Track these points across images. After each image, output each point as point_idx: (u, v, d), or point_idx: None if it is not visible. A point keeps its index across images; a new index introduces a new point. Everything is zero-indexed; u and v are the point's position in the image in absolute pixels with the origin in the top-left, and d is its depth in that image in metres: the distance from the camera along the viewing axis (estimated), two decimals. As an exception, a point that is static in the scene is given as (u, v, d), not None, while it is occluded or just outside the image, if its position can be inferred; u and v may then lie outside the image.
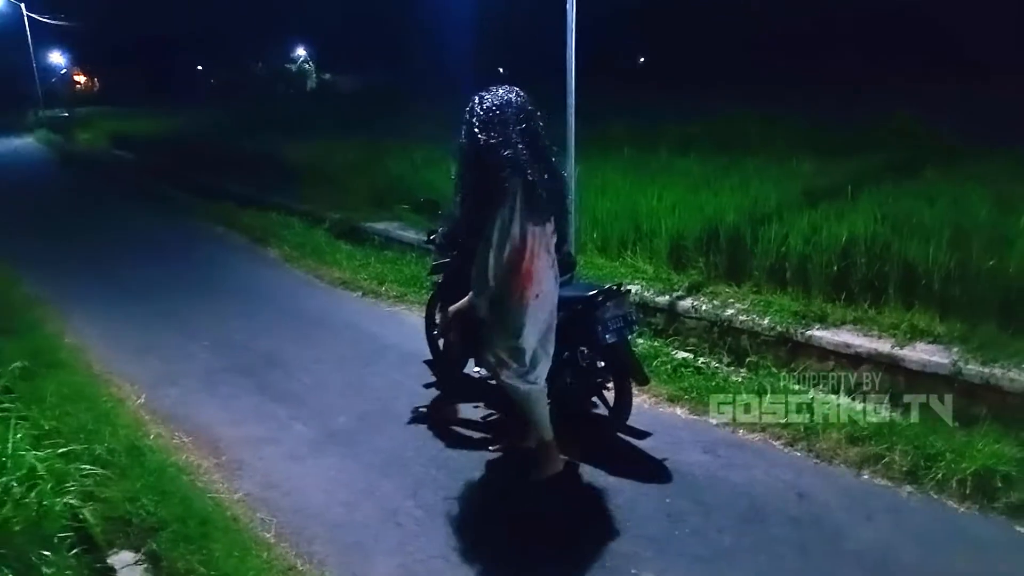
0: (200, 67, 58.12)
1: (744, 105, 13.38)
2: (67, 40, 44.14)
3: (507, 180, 3.18)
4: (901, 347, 4.40)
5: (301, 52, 54.50)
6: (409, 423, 4.39)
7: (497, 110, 3.25)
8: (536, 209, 3.25)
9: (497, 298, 3.40)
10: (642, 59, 47.65)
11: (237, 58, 54.08)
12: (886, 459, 3.62)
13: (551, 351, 3.55)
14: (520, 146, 3.21)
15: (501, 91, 3.33)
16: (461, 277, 4.58)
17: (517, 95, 3.32)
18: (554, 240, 3.48)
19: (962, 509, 3.32)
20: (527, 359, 3.45)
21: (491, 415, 4.40)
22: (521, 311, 3.36)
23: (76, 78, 53.60)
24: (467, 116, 3.31)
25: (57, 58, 46.70)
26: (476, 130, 3.25)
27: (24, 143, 28.75)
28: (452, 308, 4.38)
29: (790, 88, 18.47)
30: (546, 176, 3.28)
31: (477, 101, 3.32)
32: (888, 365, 4.39)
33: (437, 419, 4.40)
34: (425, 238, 5.30)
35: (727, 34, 32.12)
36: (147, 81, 46.05)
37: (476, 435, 4.21)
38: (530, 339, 3.42)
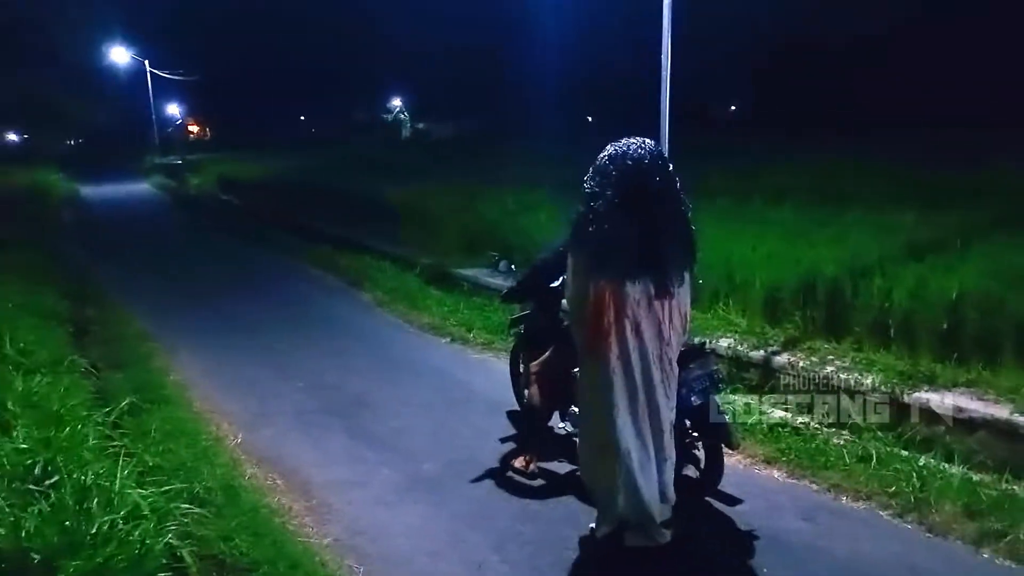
0: (302, 116, 61.18)
1: (842, 151, 13.00)
2: (183, 92, 47.34)
3: (586, 231, 3.18)
4: (1022, 414, 4.08)
5: (397, 103, 56.51)
6: (496, 474, 4.35)
7: (608, 160, 3.22)
8: (604, 265, 3.14)
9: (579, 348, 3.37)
10: (732, 108, 47.19)
11: (337, 109, 56.62)
12: (1009, 537, 3.34)
13: (648, 440, 3.27)
14: (614, 199, 3.13)
15: (624, 142, 3.26)
16: (540, 330, 4.59)
17: (639, 147, 3.21)
18: (657, 305, 3.21)
19: (1098, 598, 3.02)
20: (614, 429, 3.23)
21: (576, 471, 4.31)
22: (598, 369, 3.23)
23: (190, 127, 57.18)
24: (602, 158, 3.28)
25: (173, 109, 50.03)
26: (585, 179, 3.27)
27: (140, 188, 30.73)
28: (533, 364, 4.40)
29: (891, 132, 17.81)
30: (645, 235, 3.14)
31: (602, 151, 3.29)
32: (1006, 432, 4.08)
33: (523, 472, 4.33)
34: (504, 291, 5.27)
35: (826, 79, 31.42)
36: (254, 130, 48.71)
37: (563, 491, 4.11)
38: (619, 403, 3.23)
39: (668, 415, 3.31)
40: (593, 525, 3.55)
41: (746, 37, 33.38)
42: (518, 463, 4.39)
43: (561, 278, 4.39)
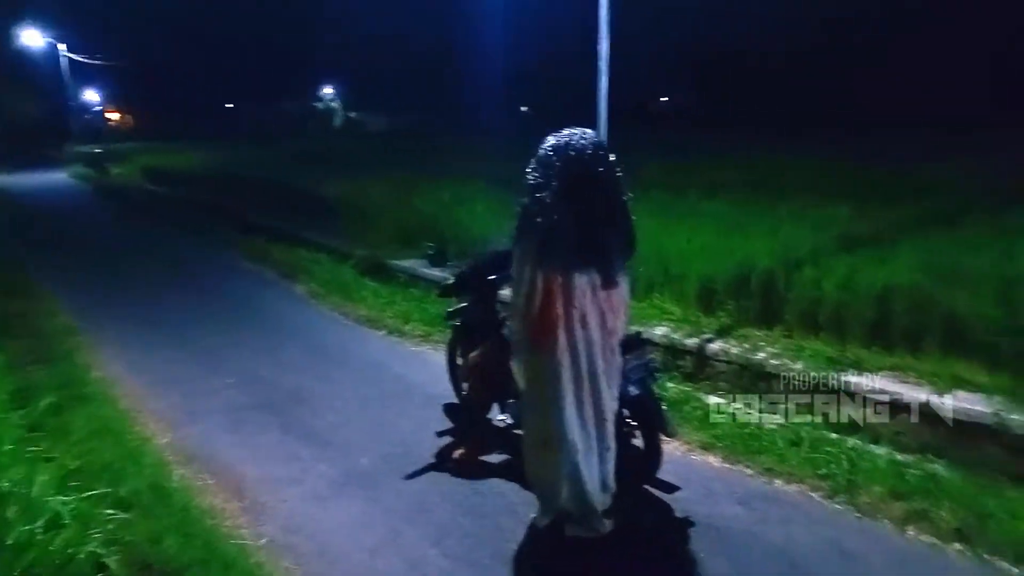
0: (230, 105, 59.41)
1: (782, 148, 13.32)
2: (102, 78, 45.40)
3: (532, 221, 3.15)
4: (941, 396, 4.25)
5: (329, 90, 55.41)
6: (433, 467, 4.30)
7: (550, 151, 3.19)
8: (552, 256, 3.12)
9: (521, 342, 3.32)
10: (664, 99, 47.90)
11: (266, 96, 55.17)
12: (933, 516, 3.47)
13: (591, 430, 3.27)
14: (558, 190, 3.11)
15: (566, 132, 3.24)
16: (477, 322, 4.57)
17: (581, 138, 3.21)
18: (602, 296, 3.22)
19: (1016, 572, 3.15)
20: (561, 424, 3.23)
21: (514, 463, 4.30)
22: (544, 362, 3.21)
23: (109, 115, 54.86)
24: (541, 150, 3.26)
25: (92, 96, 47.91)
26: (528, 170, 3.23)
27: (58, 178, 29.37)
28: (472, 355, 4.37)
29: (829, 131, 18.26)
30: (589, 225, 3.14)
31: (544, 142, 3.26)
32: (928, 414, 4.24)
33: (461, 465, 4.29)
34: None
35: (767, 76, 32.08)
36: (178, 118, 47.09)
37: (502, 483, 4.09)
38: (566, 395, 3.21)
39: (611, 404, 3.32)
40: (534, 515, 3.55)
41: (687, 33, 33.82)
42: (457, 455, 4.37)
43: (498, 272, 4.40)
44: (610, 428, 3.34)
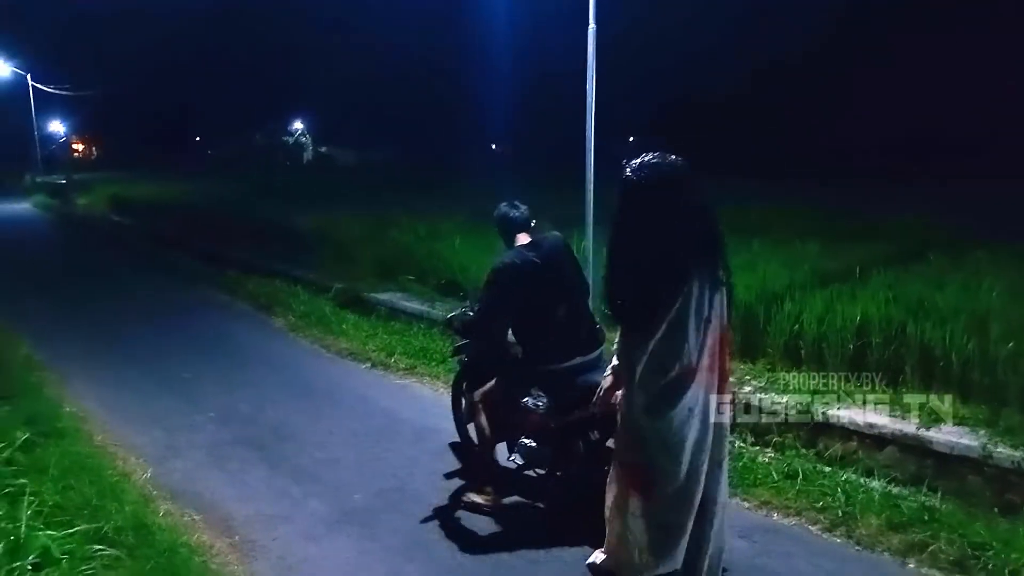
0: (199, 138, 59.09)
1: (747, 195, 13.63)
2: (68, 108, 44.91)
3: (680, 268, 2.75)
4: (927, 429, 4.32)
5: (298, 125, 55.50)
6: (431, 504, 4.19)
7: (666, 183, 2.79)
8: (711, 303, 2.80)
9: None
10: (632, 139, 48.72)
11: (235, 130, 55.01)
12: (931, 548, 3.50)
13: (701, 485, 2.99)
14: (707, 228, 2.82)
15: (660, 159, 2.83)
16: (485, 359, 4.45)
17: (680, 163, 2.83)
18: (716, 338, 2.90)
19: (1016, 603, 3.19)
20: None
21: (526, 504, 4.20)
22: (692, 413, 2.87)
23: (75, 146, 54.19)
24: (629, 188, 2.82)
25: (57, 126, 47.37)
26: (644, 204, 2.80)
27: (22, 208, 28.80)
28: (476, 393, 4.24)
29: (799, 182, 18.80)
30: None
31: (641, 170, 2.81)
32: (915, 447, 4.30)
33: (483, 506, 4.11)
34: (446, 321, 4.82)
35: (737, 126, 32.87)
36: (145, 150, 46.60)
37: (504, 521, 3.99)
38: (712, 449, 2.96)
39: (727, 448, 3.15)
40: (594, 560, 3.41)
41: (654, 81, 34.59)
42: (477, 497, 4.15)
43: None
44: (725, 478, 3.13)
